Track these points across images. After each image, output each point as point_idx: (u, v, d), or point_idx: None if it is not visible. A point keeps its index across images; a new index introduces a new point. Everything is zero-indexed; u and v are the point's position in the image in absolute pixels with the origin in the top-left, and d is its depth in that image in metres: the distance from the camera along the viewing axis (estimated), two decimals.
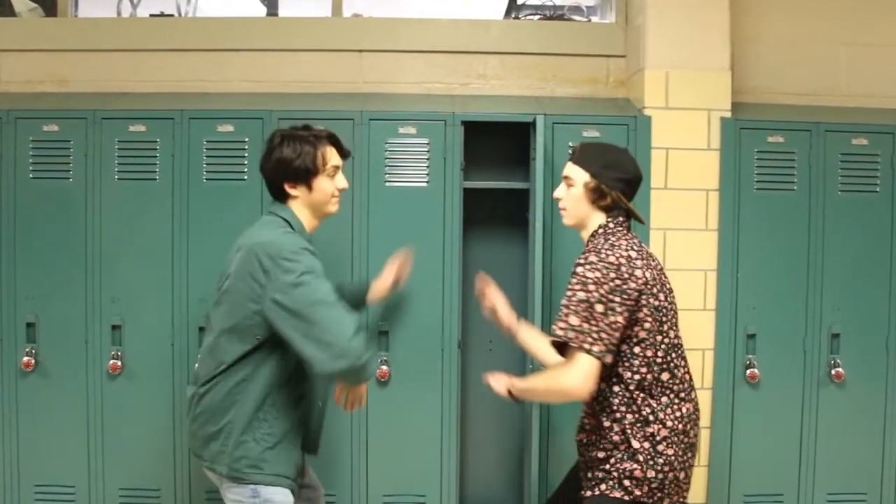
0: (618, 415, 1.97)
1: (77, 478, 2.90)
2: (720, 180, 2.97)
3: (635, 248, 2.01)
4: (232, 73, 3.23)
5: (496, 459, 3.23)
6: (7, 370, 2.88)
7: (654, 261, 2.04)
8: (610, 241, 2.01)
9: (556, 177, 2.84)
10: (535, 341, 2.40)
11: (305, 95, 3.19)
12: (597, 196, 2.05)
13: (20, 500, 2.90)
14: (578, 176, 2.08)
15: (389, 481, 2.94)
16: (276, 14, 3.63)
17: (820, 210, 2.96)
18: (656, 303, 1.97)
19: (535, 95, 3.29)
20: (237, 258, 2.02)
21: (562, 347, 1.97)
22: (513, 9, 3.62)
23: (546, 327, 2.68)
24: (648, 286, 1.96)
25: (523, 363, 2.98)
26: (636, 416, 1.95)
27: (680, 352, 2.04)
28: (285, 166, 2.09)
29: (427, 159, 2.93)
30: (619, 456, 1.95)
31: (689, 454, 2.01)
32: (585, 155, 2.10)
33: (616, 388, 1.97)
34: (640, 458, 1.93)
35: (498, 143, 3.13)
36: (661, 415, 1.95)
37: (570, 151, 2.19)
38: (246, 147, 2.88)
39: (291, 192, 2.11)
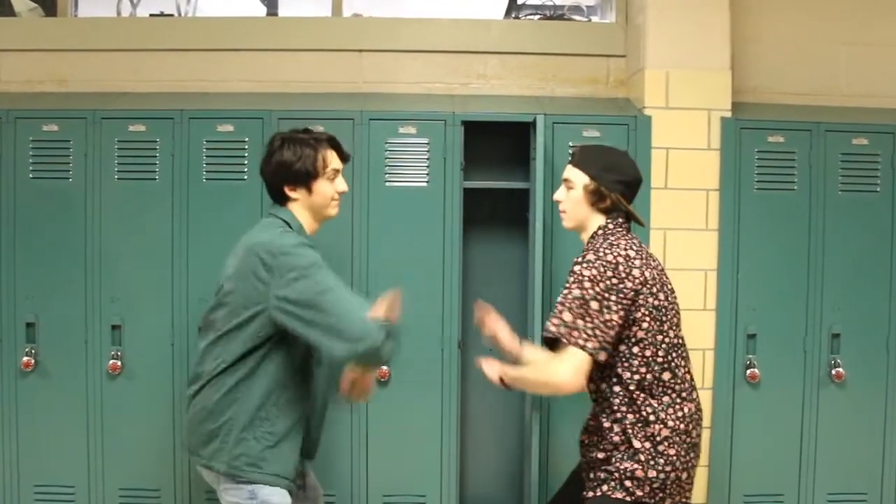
0: (618, 415, 1.97)
1: (77, 478, 2.90)
2: (720, 180, 2.97)
3: (634, 247, 2.01)
4: (232, 73, 3.23)
5: (496, 459, 3.23)
6: (7, 370, 2.88)
7: (654, 261, 2.04)
8: (609, 241, 2.01)
9: (556, 177, 2.83)
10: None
11: (305, 95, 3.19)
12: (596, 198, 2.06)
13: (20, 501, 2.90)
14: (578, 178, 2.08)
15: (389, 481, 2.94)
16: (275, 14, 3.63)
17: (820, 210, 2.96)
18: (656, 302, 1.97)
19: (535, 95, 3.28)
20: (237, 260, 2.03)
21: (555, 345, 1.97)
22: (513, 8, 3.62)
23: None
24: (647, 285, 1.96)
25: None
26: (637, 415, 1.95)
27: (681, 351, 2.03)
28: (285, 169, 2.09)
29: (427, 159, 2.93)
30: (621, 456, 1.95)
31: (692, 454, 2.00)
32: (585, 157, 2.10)
33: (616, 388, 1.97)
34: (642, 458, 1.93)
35: (498, 143, 3.13)
36: (662, 415, 1.95)
37: (570, 154, 2.20)
38: (246, 147, 2.87)
39: (291, 194, 2.11)
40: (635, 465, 1.93)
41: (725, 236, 2.96)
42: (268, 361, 2.01)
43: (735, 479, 2.97)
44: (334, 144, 2.17)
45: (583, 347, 1.87)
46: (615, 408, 1.97)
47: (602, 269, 1.93)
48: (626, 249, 1.98)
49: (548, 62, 3.31)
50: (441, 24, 3.32)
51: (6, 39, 3.24)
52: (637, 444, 1.94)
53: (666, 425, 1.95)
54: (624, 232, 2.06)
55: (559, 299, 1.95)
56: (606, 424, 1.99)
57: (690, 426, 1.99)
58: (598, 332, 1.88)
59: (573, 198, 2.09)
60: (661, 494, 1.93)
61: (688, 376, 2.04)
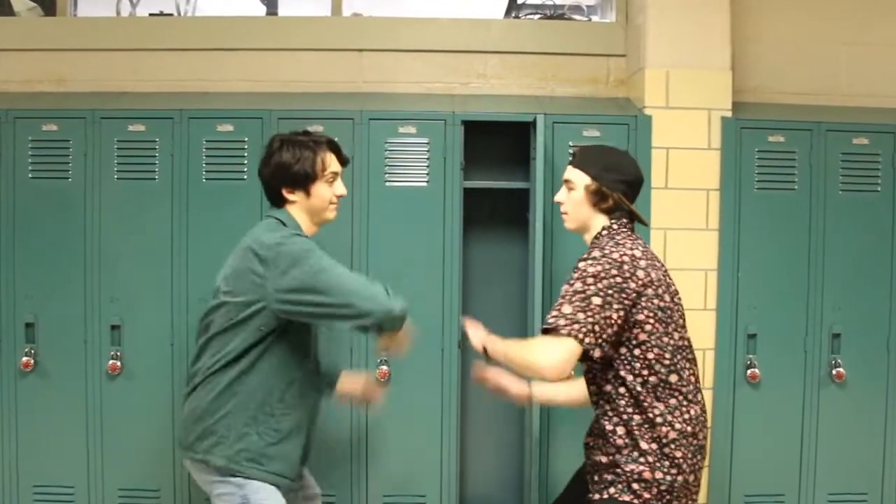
0: (624, 416, 1.94)
1: (76, 478, 2.89)
2: (721, 180, 2.97)
3: (640, 247, 1.99)
4: (231, 73, 3.23)
5: (496, 459, 3.23)
6: (6, 370, 2.87)
7: (658, 262, 2.02)
8: (615, 240, 1.99)
9: (556, 177, 2.83)
10: (551, 388, 2.38)
11: (305, 95, 3.18)
12: (598, 198, 2.04)
13: (19, 501, 2.89)
14: (579, 179, 2.06)
15: (389, 481, 2.94)
16: (275, 13, 3.63)
17: (821, 210, 2.96)
18: (661, 304, 1.94)
19: (535, 95, 3.28)
20: (233, 260, 2.03)
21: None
22: (513, 8, 3.62)
23: None
24: (653, 286, 1.93)
25: None
26: (643, 416, 1.92)
27: (686, 353, 2.00)
28: (284, 171, 2.08)
29: (427, 159, 2.92)
30: (627, 458, 1.92)
31: (699, 457, 1.98)
32: (585, 158, 2.09)
33: (621, 390, 1.94)
34: (650, 460, 1.90)
35: (498, 143, 3.13)
36: (669, 417, 1.92)
37: (571, 154, 2.19)
38: (245, 147, 2.87)
39: (289, 196, 2.10)
40: (643, 467, 1.91)
41: (726, 236, 2.96)
42: (268, 355, 2.00)
43: (735, 479, 2.97)
44: (333, 147, 2.15)
45: (581, 341, 1.84)
46: (621, 409, 1.95)
47: (607, 267, 1.90)
48: (631, 249, 1.96)
49: (548, 62, 3.30)
50: (441, 24, 3.32)
51: (5, 39, 3.23)
52: (644, 445, 1.91)
53: (673, 427, 1.92)
54: (629, 232, 2.05)
55: (561, 293, 1.93)
56: (609, 427, 1.96)
57: (697, 428, 1.97)
58: (596, 327, 1.86)
59: (574, 199, 2.07)
60: (668, 497, 1.90)
61: (693, 378, 2.01)
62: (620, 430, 1.94)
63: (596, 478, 1.99)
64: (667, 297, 1.97)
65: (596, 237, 2.05)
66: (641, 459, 1.91)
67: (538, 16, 3.50)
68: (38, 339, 2.87)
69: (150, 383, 2.87)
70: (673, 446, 1.92)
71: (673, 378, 1.94)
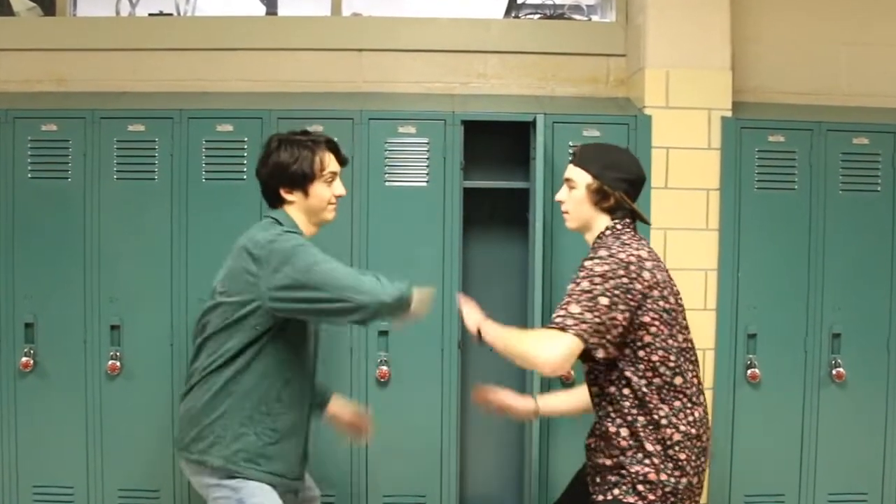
0: (629, 418, 1.92)
1: (76, 479, 2.89)
2: (721, 180, 2.97)
3: (645, 248, 1.96)
4: (231, 73, 3.22)
5: (496, 459, 3.23)
6: (5, 371, 2.87)
7: (662, 263, 2.00)
8: (621, 240, 1.97)
9: (556, 176, 2.83)
10: (559, 398, 2.37)
11: (305, 95, 3.18)
12: (599, 197, 2.01)
13: (19, 501, 2.89)
14: (580, 177, 2.03)
15: (389, 481, 2.94)
16: (275, 13, 3.63)
17: (821, 209, 2.96)
18: (667, 305, 1.92)
19: (535, 95, 3.28)
20: (229, 261, 2.01)
21: None
22: (513, 8, 3.62)
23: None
24: (659, 288, 1.91)
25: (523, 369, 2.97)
26: (648, 418, 1.90)
27: (689, 356, 1.98)
28: (282, 171, 2.05)
29: (427, 159, 2.92)
30: (631, 459, 1.91)
31: (702, 458, 1.96)
32: (586, 156, 2.05)
33: (626, 391, 1.92)
34: (656, 462, 1.88)
35: (498, 143, 3.13)
36: (674, 419, 1.90)
37: (571, 153, 2.17)
38: (245, 147, 2.87)
39: (287, 197, 2.07)
40: (648, 469, 1.89)
41: (726, 236, 2.96)
42: (264, 355, 1.98)
43: (735, 479, 2.97)
44: (332, 147, 2.12)
45: (585, 340, 1.82)
46: (625, 411, 1.92)
47: (614, 267, 1.88)
48: (637, 250, 1.93)
49: (548, 61, 3.30)
50: (441, 24, 3.32)
51: (5, 39, 3.23)
52: (649, 447, 1.89)
53: (678, 430, 1.90)
54: (633, 232, 2.02)
55: (567, 292, 1.90)
56: (612, 429, 1.94)
57: (701, 430, 1.95)
58: (602, 327, 1.84)
59: (575, 197, 2.04)
60: (672, 499, 1.89)
61: (696, 380, 1.99)
62: (624, 432, 1.92)
63: (598, 479, 1.98)
64: (672, 299, 1.95)
65: (599, 237, 2.02)
66: (647, 461, 1.89)
67: (538, 15, 3.50)
68: (38, 339, 2.87)
69: (149, 383, 2.87)
70: (677, 448, 1.90)
71: (678, 380, 1.92)
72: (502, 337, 1.96)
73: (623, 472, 1.92)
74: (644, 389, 1.91)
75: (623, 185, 2.01)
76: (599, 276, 1.87)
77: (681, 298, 2.02)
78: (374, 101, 3.10)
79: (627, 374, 1.91)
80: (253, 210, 2.75)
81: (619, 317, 1.86)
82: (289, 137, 2.10)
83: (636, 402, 1.92)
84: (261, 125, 2.86)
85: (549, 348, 1.82)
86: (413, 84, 3.27)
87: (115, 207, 2.87)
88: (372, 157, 2.90)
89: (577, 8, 3.51)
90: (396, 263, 2.86)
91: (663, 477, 1.88)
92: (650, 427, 1.91)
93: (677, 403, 1.92)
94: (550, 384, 2.89)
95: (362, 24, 3.36)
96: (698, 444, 1.94)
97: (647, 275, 1.90)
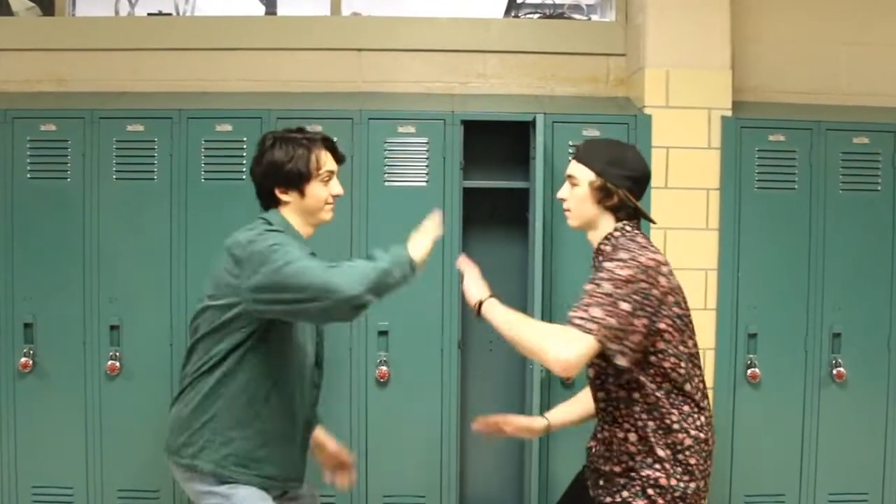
0: (639, 423, 1.89)
1: (75, 479, 2.89)
2: (721, 179, 2.96)
3: (658, 252, 1.91)
4: (230, 73, 3.22)
5: (496, 459, 3.22)
6: (5, 371, 2.86)
7: (671, 267, 1.96)
8: (637, 242, 1.90)
9: (556, 176, 2.83)
10: (566, 409, 2.31)
11: (304, 95, 3.18)
12: (603, 195, 1.93)
13: (18, 502, 2.89)
14: (583, 175, 1.95)
15: (389, 481, 2.93)
16: (274, 13, 3.62)
17: (821, 209, 2.95)
18: (679, 311, 1.88)
19: (534, 94, 3.28)
20: (216, 263, 1.97)
21: None
22: (512, 7, 3.62)
23: None
24: (673, 294, 1.87)
25: (523, 365, 2.97)
26: (658, 423, 1.87)
27: (696, 361, 1.95)
28: (276, 170, 1.99)
29: (426, 159, 2.92)
30: (641, 464, 1.88)
31: (709, 462, 1.93)
32: (589, 152, 1.98)
33: (636, 396, 1.88)
34: (666, 467, 1.86)
35: (498, 143, 3.12)
36: (684, 424, 1.87)
37: (574, 149, 2.11)
38: (244, 147, 2.86)
39: (283, 197, 2.01)
40: (659, 473, 1.86)
41: (726, 236, 2.96)
42: (251, 356, 1.93)
43: (736, 480, 2.97)
44: (329, 145, 2.05)
45: (605, 346, 1.76)
46: (635, 416, 1.89)
47: (636, 272, 1.80)
48: (654, 254, 1.87)
49: (547, 61, 3.30)
50: (440, 23, 3.31)
51: (4, 39, 3.23)
52: (659, 451, 1.86)
53: (689, 434, 1.87)
54: (642, 234, 1.96)
55: (587, 290, 1.82)
56: (620, 434, 1.91)
57: (708, 434, 1.91)
58: (621, 334, 1.78)
59: (578, 195, 1.96)
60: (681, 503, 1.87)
61: (701, 385, 1.95)
62: (632, 437, 1.89)
63: (603, 482, 1.95)
64: (683, 305, 1.91)
65: (607, 237, 1.95)
66: (657, 466, 1.86)
67: (538, 15, 3.50)
68: (37, 339, 2.87)
69: (149, 384, 2.86)
70: (688, 453, 1.87)
71: (687, 386, 1.89)
72: (513, 323, 1.86)
73: (633, 475, 1.88)
74: (656, 394, 1.87)
75: (627, 183, 1.94)
76: (623, 280, 1.79)
77: (687, 303, 1.98)
78: (374, 100, 3.09)
79: (640, 378, 1.87)
80: (252, 210, 2.72)
81: (638, 322, 1.80)
82: (284, 135, 2.03)
83: (646, 406, 1.88)
84: (260, 125, 2.85)
85: (569, 350, 1.74)
86: (412, 84, 3.27)
87: (114, 207, 2.87)
88: (371, 157, 2.90)
89: (576, 7, 3.51)
90: None
91: (673, 482, 1.85)
92: (660, 432, 1.87)
93: (686, 408, 1.89)
94: (550, 385, 2.88)
95: (362, 23, 3.36)
96: (706, 448, 1.91)
97: (663, 280, 1.84)
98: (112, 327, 2.87)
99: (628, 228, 1.95)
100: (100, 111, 2.89)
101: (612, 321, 1.76)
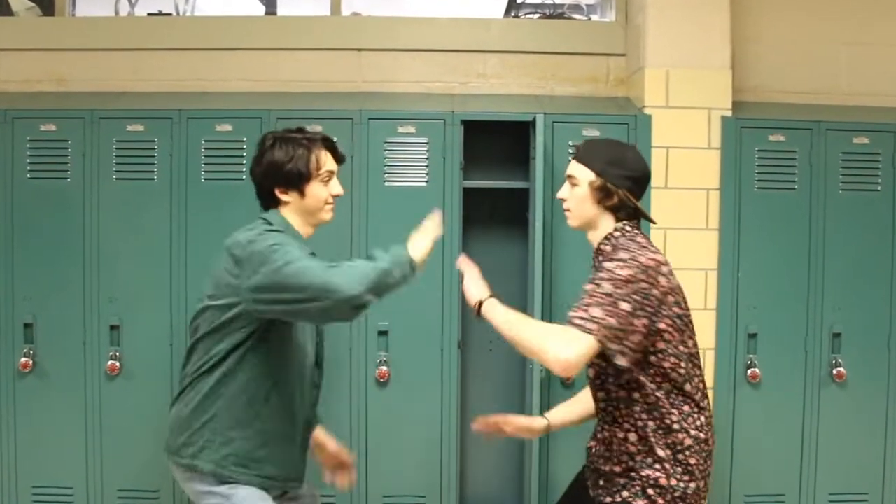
0: (639, 423, 1.89)
1: (75, 479, 2.89)
2: (721, 179, 2.96)
3: (658, 252, 1.91)
4: (230, 73, 3.22)
5: (496, 459, 3.22)
6: (5, 371, 2.86)
7: (671, 267, 1.97)
8: (637, 242, 1.91)
9: (556, 176, 2.83)
10: (566, 409, 2.32)
11: (304, 95, 3.18)
12: (603, 195, 1.93)
13: (18, 502, 2.89)
14: (583, 174, 1.95)
15: (389, 481, 2.93)
16: (274, 13, 3.62)
17: (821, 209, 2.95)
18: (679, 311, 1.88)
19: (534, 94, 3.28)
20: (216, 263, 1.97)
21: None
22: (512, 7, 3.62)
23: None
24: (673, 294, 1.87)
25: (523, 365, 2.97)
26: (658, 423, 1.87)
27: (696, 361, 1.95)
28: (276, 170, 1.99)
29: (426, 159, 2.92)
30: (641, 464, 1.88)
31: (709, 462, 1.93)
32: (589, 152, 1.98)
33: (636, 396, 1.88)
34: (666, 467, 1.86)
35: (498, 143, 3.12)
36: (684, 424, 1.87)
37: (574, 149, 2.11)
38: (244, 147, 2.86)
39: (283, 197, 2.01)
40: (659, 474, 1.86)
41: (726, 236, 2.96)
42: (251, 356, 1.93)
43: (736, 480, 2.97)
44: (329, 145, 2.05)
45: (606, 346, 1.77)
46: (635, 416, 1.89)
47: (636, 272, 1.81)
48: (654, 254, 1.88)
49: (547, 61, 3.30)
50: (440, 23, 3.31)
51: (3, 39, 3.23)
52: (660, 451, 1.86)
53: (689, 434, 1.87)
54: (642, 234, 1.96)
55: (587, 291, 1.82)
56: (620, 435, 1.91)
57: (708, 434, 1.92)
58: (621, 334, 1.78)
59: (578, 195, 1.96)
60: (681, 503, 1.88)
61: (701, 385, 1.96)
62: (632, 437, 1.89)
63: (603, 482, 1.95)
64: (683, 305, 1.91)
65: (607, 237, 1.96)
66: (657, 466, 1.86)
67: (538, 15, 3.50)
68: (37, 339, 2.87)
69: (149, 383, 2.86)
70: (688, 453, 1.87)
71: (687, 386, 1.89)
72: (513, 323, 1.87)
73: (633, 475, 1.88)
74: (656, 395, 1.87)
75: (627, 183, 1.94)
76: (623, 280, 1.79)
77: (687, 303, 1.98)
78: (374, 100, 3.09)
79: (641, 378, 1.87)
80: (252, 210, 2.72)
81: (638, 323, 1.80)
82: (283, 135, 2.03)
83: (646, 406, 1.88)
84: (260, 125, 2.85)
85: (569, 350, 1.74)
86: (412, 84, 3.27)
87: (114, 207, 2.87)
88: (371, 157, 2.90)
89: (576, 7, 3.51)
90: None
91: (673, 482, 1.85)
92: (661, 432, 1.87)
93: (686, 408, 1.89)
94: (550, 385, 2.88)
95: (362, 23, 3.36)
96: (706, 448, 1.91)
97: (663, 280, 1.84)
98: (112, 327, 2.87)
99: (628, 228, 1.95)
100: (100, 111, 2.89)
101: (612, 321, 1.76)
